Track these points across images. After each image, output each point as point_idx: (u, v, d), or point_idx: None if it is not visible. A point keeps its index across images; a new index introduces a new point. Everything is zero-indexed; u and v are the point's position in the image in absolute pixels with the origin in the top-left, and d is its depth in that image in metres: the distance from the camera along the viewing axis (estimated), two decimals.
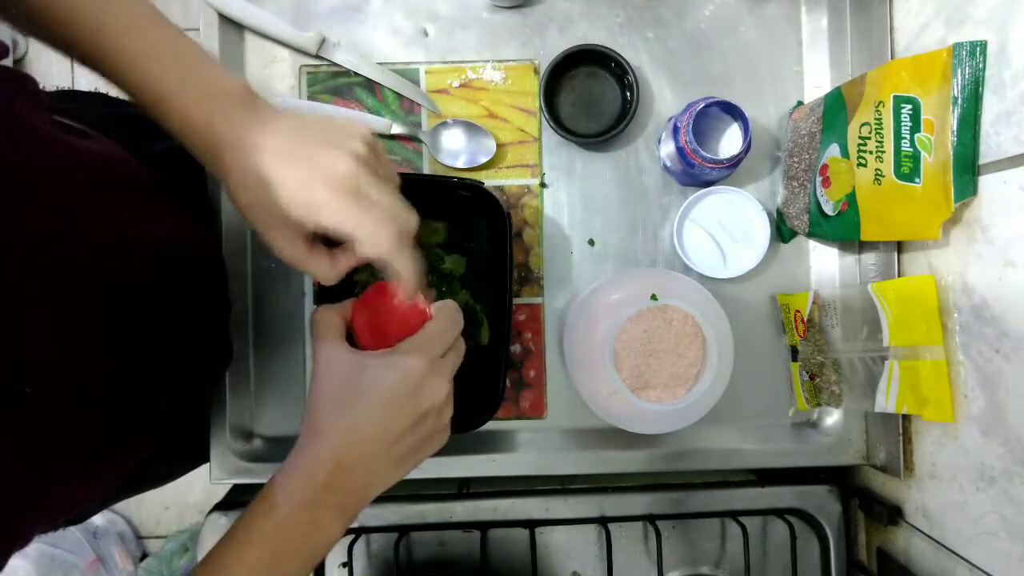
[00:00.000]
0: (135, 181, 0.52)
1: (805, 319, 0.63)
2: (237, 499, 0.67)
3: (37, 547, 1.41)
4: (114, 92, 0.44)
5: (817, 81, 0.68)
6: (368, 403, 0.43)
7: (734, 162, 0.60)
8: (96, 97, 0.66)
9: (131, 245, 0.47)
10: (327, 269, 0.46)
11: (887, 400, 0.57)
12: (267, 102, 0.45)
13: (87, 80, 0.51)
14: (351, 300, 0.49)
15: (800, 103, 0.67)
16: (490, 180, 0.67)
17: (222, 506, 0.65)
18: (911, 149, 0.52)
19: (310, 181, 0.41)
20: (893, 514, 0.61)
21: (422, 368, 0.43)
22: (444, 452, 0.48)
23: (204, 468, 0.67)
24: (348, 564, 0.63)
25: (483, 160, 0.66)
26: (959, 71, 0.49)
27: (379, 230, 0.42)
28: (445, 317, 0.47)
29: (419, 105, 0.67)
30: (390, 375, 0.43)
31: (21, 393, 0.38)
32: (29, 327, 0.38)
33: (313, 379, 0.45)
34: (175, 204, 0.56)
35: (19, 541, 0.40)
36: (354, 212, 0.41)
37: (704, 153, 0.58)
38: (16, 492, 0.39)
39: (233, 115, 0.43)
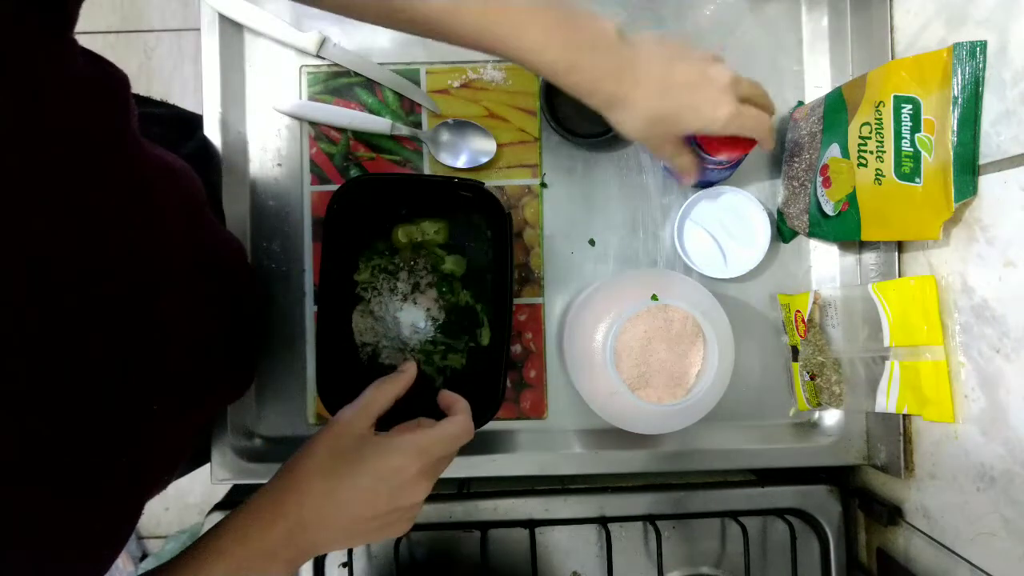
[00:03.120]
0: (192, 188, 0.52)
1: (806, 319, 0.63)
2: (237, 499, 0.67)
3: None
4: (138, 91, 0.43)
5: (817, 81, 0.68)
6: (351, 479, 0.44)
7: (734, 162, 0.60)
8: None
9: (199, 250, 0.50)
10: (691, 161, 0.56)
11: (887, 400, 0.57)
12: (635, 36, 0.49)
13: None
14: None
15: (800, 103, 0.67)
16: (490, 180, 0.68)
17: (222, 506, 0.65)
18: (911, 149, 0.52)
19: (718, 96, 0.49)
20: (893, 514, 0.61)
21: (414, 470, 0.45)
22: None
23: (204, 468, 0.67)
24: (348, 564, 0.63)
25: (483, 160, 0.66)
26: (959, 71, 0.49)
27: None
28: (459, 427, 0.48)
29: (419, 105, 0.67)
30: (382, 464, 0.45)
31: (149, 402, 0.42)
32: (164, 329, 0.43)
33: (322, 430, 0.47)
34: (212, 209, 0.57)
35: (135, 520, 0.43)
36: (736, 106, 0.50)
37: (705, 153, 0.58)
38: (141, 478, 0.42)
39: (624, 54, 0.47)
